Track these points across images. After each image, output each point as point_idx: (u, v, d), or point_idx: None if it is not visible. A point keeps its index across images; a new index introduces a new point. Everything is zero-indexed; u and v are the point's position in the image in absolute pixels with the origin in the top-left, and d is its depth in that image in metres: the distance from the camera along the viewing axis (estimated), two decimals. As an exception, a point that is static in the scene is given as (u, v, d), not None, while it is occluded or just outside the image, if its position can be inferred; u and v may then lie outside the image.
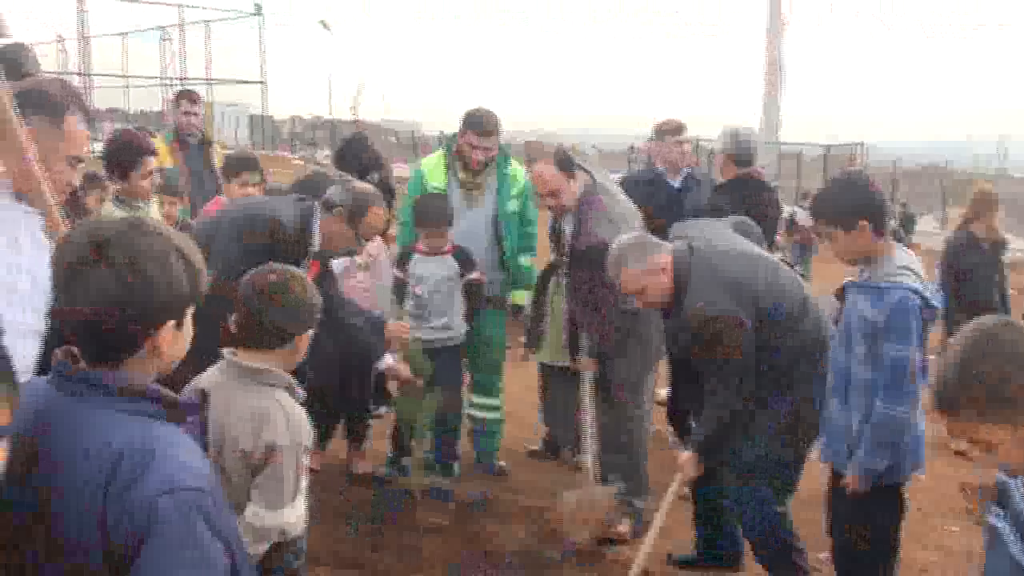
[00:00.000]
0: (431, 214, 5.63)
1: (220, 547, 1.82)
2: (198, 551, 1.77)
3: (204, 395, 2.02)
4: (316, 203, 4.53)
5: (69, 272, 1.83)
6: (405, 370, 5.04)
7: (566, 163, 5.07)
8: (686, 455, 4.55)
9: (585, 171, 5.19)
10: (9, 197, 2.89)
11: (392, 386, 5.94)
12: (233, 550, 1.88)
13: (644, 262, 4.33)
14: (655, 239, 4.47)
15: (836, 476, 4.09)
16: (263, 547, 3.00)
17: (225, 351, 3.15)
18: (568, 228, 5.20)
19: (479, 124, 5.82)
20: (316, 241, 4.50)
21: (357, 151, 6.56)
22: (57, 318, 1.89)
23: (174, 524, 1.74)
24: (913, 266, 3.86)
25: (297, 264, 4.20)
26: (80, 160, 3.05)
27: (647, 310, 4.80)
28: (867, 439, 3.82)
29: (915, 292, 3.73)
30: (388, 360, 4.98)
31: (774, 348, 4.21)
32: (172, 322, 1.90)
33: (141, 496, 1.73)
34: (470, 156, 5.82)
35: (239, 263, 3.79)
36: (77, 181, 3.19)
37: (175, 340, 1.94)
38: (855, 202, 3.85)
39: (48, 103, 2.93)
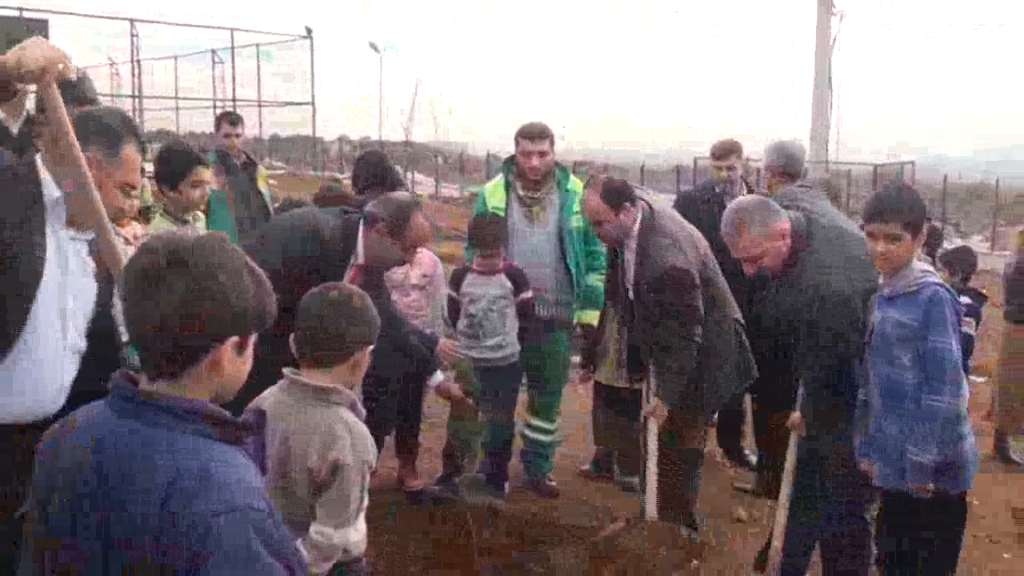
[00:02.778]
0: (485, 234, 5.66)
1: (278, 566, 1.82)
2: (255, 568, 1.77)
3: (262, 415, 2.02)
4: (358, 216, 4.51)
5: (143, 278, 1.85)
6: (456, 389, 5.02)
7: (612, 196, 4.93)
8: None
9: (644, 200, 5.05)
10: (62, 222, 2.97)
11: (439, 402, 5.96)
12: (293, 570, 1.88)
13: (766, 226, 4.25)
14: (774, 204, 4.39)
15: (890, 497, 4.05)
16: (327, 566, 3.02)
17: (286, 371, 3.17)
18: (631, 257, 5.08)
19: (528, 129, 5.86)
20: (360, 253, 4.47)
21: (374, 167, 6.35)
22: (129, 325, 1.91)
23: (231, 543, 1.75)
24: (931, 268, 3.96)
25: (340, 275, 4.30)
26: (133, 187, 3.12)
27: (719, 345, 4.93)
28: (915, 434, 3.80)
29: (942, 286, 3.83)
30: (439, 377, 4.98)
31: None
32: (236, 339, 1.92)
33: (198, 516, 1.74)
34: (527, 165, 5.83)
35: (282, 272, 3.95)
36: (133, 210, 3.26)
37: (236, 362, 1.95)
38: (922, 209, 3.92)
39: (106, 131, 3.01)
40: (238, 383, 2.01)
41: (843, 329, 4.17)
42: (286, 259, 4.15)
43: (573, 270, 5.95)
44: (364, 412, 3.19)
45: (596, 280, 6.03)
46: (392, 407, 5.96)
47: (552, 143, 5.92)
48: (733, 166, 6.58)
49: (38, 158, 2.98)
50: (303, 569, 1.98)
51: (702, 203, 6.47)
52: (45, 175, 2.94)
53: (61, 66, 2.74)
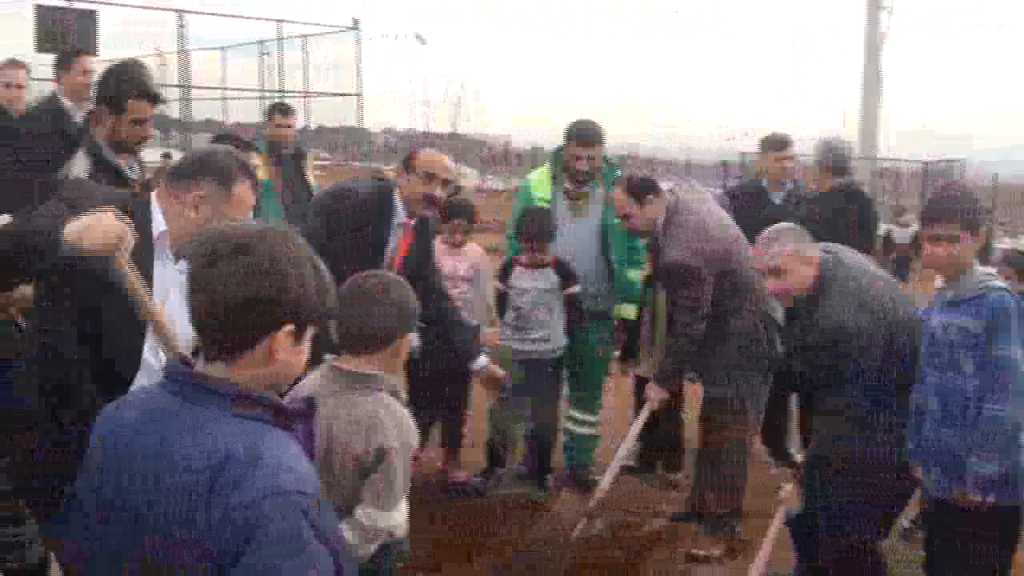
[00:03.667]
0: (533, 228, 5.67)
1: (325, 551, 1.83)
2: (302, 553, 1.78)
3: (311, 403, 2.03)
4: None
5: (207, 263, 1.89)
6: (498, 371, 5.05)
7: (636, 190, 5.25)
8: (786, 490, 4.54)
9: (673, 192, 5.33)
10: (167, 255, 3.12)
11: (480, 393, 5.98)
12: (339, 555, 1.89)
13: (795, 247, 4.28)
14: (810, 238, 4.42)
15: (941, 507, 3.97)
16: (372, 547, 3.07)
17: (327, 357, 3.21)
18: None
19: (582, 134, 5.87)
20: (399, 211, 4.78)
21: None
22: (191, 309, 1.94)
23: (278, 525, 1.76)
24: (994, 272, 3.87)
25: (382, 235, 4.72)
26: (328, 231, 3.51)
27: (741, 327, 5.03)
28: (976, 444, 3.71)
29: (1008, 292, 3.72)
30: (482, 361, 5.03)
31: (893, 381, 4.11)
32: (292, 326, 1.93)
33: (246, 498, 1.76)
34: (575, 167, 5.85)
35: (323, 236, 4.33)
36: None
37: (292, 352, 1.96)
38: (978, 208, 3.87)
39: (220, 170, 3.15)
40: (294, 373, 2.03)
41: (864, 362, 4.10)
42: (329, 226, 4.53)
43: (615, 264, 5.96)
44: (405, 398, 3.23)
45: (635, 275, 6.07)
46: (437, 398, 5.99)
47: (603, 145, 5.95)
48: (790, 156, 6.57)
49: (153, 196, 3.16)
50: (347, 555, 1.99)
51: (748, 199, 6.46)
52: (157, 211, 3.12)
53: (123, 244, 2.82)
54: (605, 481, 5.30)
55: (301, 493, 1.81)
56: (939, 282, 3.95)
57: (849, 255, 4.43)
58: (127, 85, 4.34)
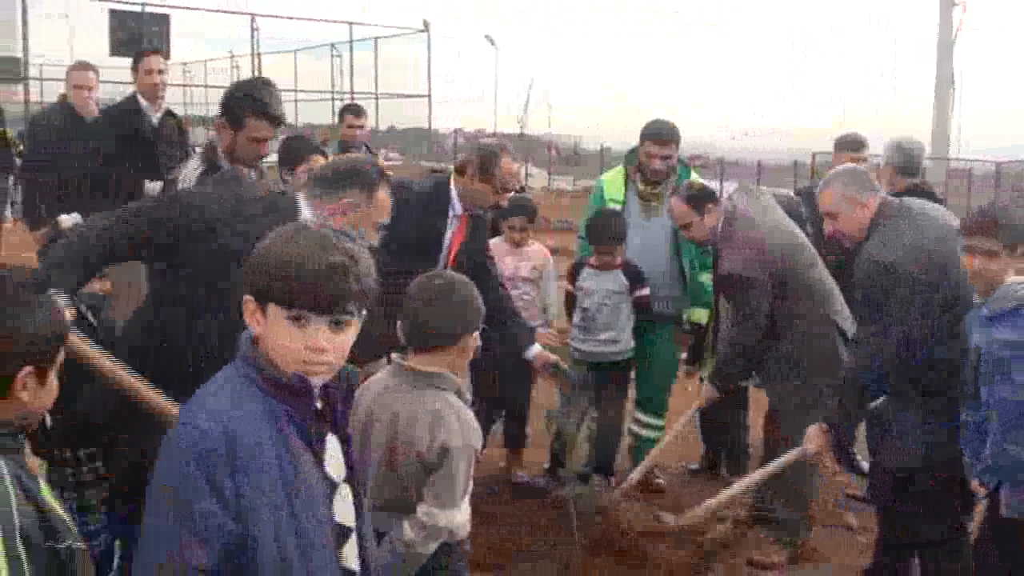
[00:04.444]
0: (604, 232, 5.69)
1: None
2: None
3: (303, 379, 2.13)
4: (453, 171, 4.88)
5: None
6: (554, 357, 5.07)
7: (695, 199, 5.24)
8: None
9: (731, 201, 5.30)
10: None
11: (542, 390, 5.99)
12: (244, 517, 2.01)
13: (845, 190, 4.32)
14: (874, 181, 4.48)
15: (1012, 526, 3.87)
16: (433, 545, 3.09)
17: (394, 356, 3.27)
18: None
19: (657, 133, 5.84)
20: (456, 205, 4.79)
21: None
22: None
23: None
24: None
25: (438, 228, 4.75)
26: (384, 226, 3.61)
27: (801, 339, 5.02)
28: None
29: None
30: (536, 349, 5.03)
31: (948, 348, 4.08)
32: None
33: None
34: (649, 166, 5.82)
35: (385, 237, 4.34)
36: (376, 241, 3.61)
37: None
38: None
39: (364, 179, 3.47)
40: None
41: (906, 302, 4.07)
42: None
43: (686, 267, 5.93)
44: (470, 398, 3.26)
45: (707, 278, 5.99)
46: (500, 397, 6.03)
47: (678, 145, 5.91)
48: (865, 158, 6.51)
49: (300, 195, 3.48)
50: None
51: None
52: (304, 207, 3.43)
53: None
54: (636, 474, 5.47)
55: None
56: (976, 298, 3.88)
57: (920, 203, 4.45)
58: (247, 102, 4.31)
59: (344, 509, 2.25)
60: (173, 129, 6.79)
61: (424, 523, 3.06)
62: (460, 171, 4.77)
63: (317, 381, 2.13)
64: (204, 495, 1.96)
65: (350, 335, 2.16)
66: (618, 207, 5.92)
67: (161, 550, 1.98)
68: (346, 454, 2.28)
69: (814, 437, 4.55)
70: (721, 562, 5.17)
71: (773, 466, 4.85)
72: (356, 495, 2.30)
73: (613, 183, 6.05)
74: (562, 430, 5.68)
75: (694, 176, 6.00)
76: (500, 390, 6.03)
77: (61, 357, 2.21)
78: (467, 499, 3.21)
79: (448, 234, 4.80)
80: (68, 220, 4.90)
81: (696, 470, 6.55)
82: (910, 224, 4.20)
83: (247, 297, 2.12)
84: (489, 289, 4.88)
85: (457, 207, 4.74)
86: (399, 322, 3.20)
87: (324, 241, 2.10)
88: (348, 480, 2.28)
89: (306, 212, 3.38)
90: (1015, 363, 3.65)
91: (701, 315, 6.04)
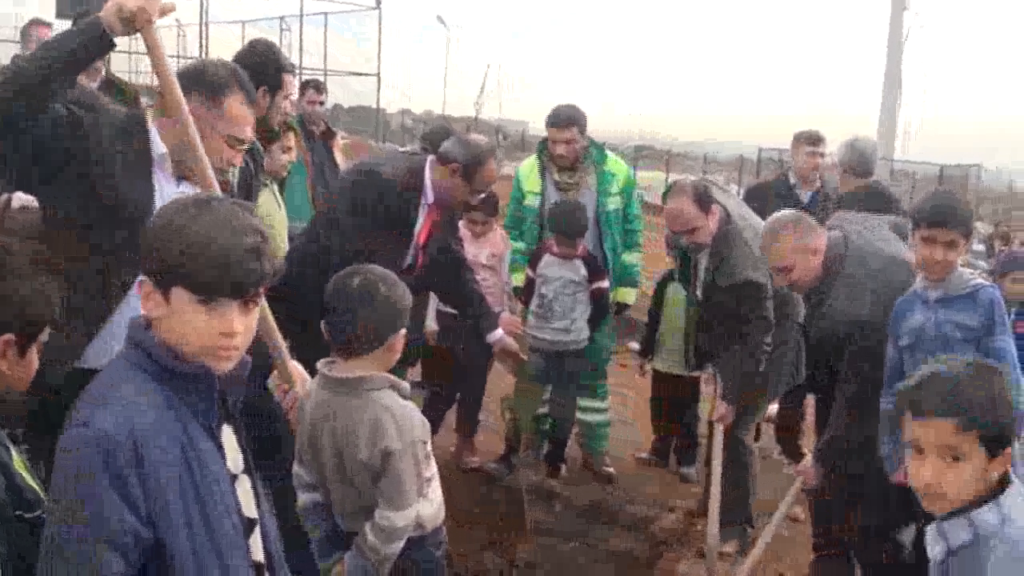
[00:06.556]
0: (566, 225, 5.58)
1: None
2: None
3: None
4: (430, 156, 4.53)
5: None
6: (513, 344, 4.86)
7: (704, 199, 4.91)
8: (805, 463, 4.52)
9: (718, 202, 5.01)
10: (170, 179, 3.04)
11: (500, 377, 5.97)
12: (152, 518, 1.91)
13: (799, 238, 4.23)
14: (813, 221, 4.38)
15: None
16: (397, 545, 3.06)
17: (320, 364, 3.12)
18: (704, 261, 5.07)
19: (554, 117, 5.76)
20: (428, 193, 4.46)
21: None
22: None
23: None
24: (972, 270, 4.04)
25: (409, 216, 4.40)
26: (242, 141, 3.11)
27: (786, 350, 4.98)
28: None
29: (995, 288, 3.93)
30: (498, 334, 4.82)
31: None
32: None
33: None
34: (554, 153, 5.76)
35: (349, 218, 4.18)
36: (239, 162, 3.26)
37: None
38: (972, 215, 3.99)
39: (207, 82, 3.01)
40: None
41: (877, 353, 4.10)
42: (353, 206, 4.25)
43: (609, 253, 5.90)
44: (408, 386, 3.14)
45: (632, 258, 6.04)
46: (456, 382, 6.01)
47: (581, 129, 5.77)
48: (823, 153, 6.51)
49: (148, 115, 3.03)
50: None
51: (775, 196, 6.37)
52: (153, 131, 2.99)
53: (159, 5, 2.77)
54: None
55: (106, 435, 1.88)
56: (920, 282, 3.97)
57: (865, 229, 4.43)
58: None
59: (247, 501, 2.16)
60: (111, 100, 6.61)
61: (382, 527, 3.01)
62: (442, 160, 4.45)
63: (223, 367, 2.04)
64: (114, 501, 1.85)
65: (256, 314, 2.08)
66: (537, 199, 5.87)
67: (72, 562, 1.85)
68: (240, 444, 2.19)
69: (810, 471, 4.48)
70: (672, 552, 5.20)
71: (783, 507, 4.68)
72: (254, 485, 2.21)
73: (528, 176, 5.97)
74: (517, 417, 5.68)
75: (611, 158, 5.96)
76: (453, 376, 6.01)
77: (44, 336, 2.15)
78: (435, 486, 3.20)
79: (420, 219, 4.63)
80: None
81: (645, 459, 6.57)
82: (866, 271, 4.19)
83: (142, 279, 1.99)
84: (461, 280, 4.83)
85: (429, 195, 4.48)
86: (321, 324, 3.08)
87: (233, 220, 1.97)
88: (246, 471, 2.19)
89: (156, 137, 3.00)
90: (961, 344, 3.82)
91: (626, 294, 6.08)
